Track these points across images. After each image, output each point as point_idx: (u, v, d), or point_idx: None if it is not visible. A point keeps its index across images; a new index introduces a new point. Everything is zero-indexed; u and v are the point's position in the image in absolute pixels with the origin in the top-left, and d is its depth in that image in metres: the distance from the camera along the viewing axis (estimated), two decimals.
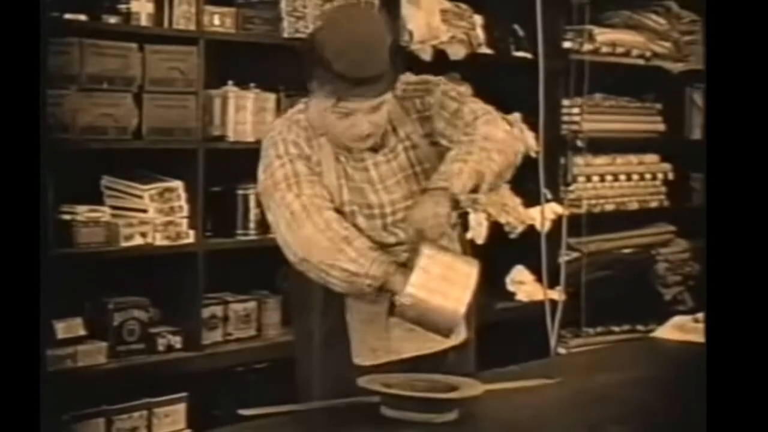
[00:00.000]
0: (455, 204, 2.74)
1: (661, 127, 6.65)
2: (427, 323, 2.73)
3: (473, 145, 2.81)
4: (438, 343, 2.89)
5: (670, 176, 6.62)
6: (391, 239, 2.90)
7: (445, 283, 2.71)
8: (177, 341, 4.52)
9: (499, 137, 2.88)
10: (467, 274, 2.74)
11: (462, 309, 2.71)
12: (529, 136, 5.69)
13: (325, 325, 2.94)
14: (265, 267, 4.91)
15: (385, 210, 2.89)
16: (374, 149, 2.90)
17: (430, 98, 2.95)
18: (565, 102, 5.91)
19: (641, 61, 6.32)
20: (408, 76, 2.99)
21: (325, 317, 2.95)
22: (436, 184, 2.75)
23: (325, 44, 2.72)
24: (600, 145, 6.15)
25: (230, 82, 4.74)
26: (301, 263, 2.81)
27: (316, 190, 2.83)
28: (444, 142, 2.91)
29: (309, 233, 2.78)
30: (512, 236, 5.58)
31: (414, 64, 4.48)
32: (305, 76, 2.80)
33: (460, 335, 2.94)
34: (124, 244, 4.31)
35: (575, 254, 5.89)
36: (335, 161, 2.89)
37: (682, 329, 3.60)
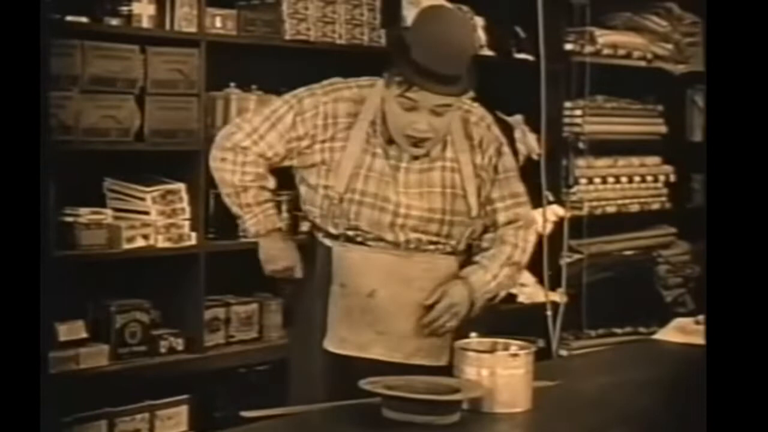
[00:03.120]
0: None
1: (663, 129, 6.65)
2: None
3: (507, 262, 3.01)
4: (406, 356, 2.93)
5: (672, 178, 6.62)
6: (389, 237, 2.92)
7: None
8: (179, 343, 4.53)
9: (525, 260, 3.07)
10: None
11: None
12: (531, 138, 5.71)
13: (314, 310, 2.97)
14: None
15: (400, 210, 2.92)
16: (416, 155, 2.93)
17: (499, 160, 3.03)
18: (567, 104, 5.92)
19: (642, 63, 6.32)
20: (487, 114, 3.09)
21: (318, 302, 2.98)
22: (472, 280, 2.95)
23: (411, 32, 2.83)
24: (601, 147, 6.15)
25: (232, 84, 4.74)
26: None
27: (273, 141, 2.97)
28: (488, 208, 3.01)
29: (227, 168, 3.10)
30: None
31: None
32: (386, 63, 2.89)
33: (441, 360, 2.95)
34: (126, 246, 4.32)
35: (577, 256, 5.89)
36: (361, 151, 2.92)
37: (684, 331, 3.60)
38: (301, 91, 3.00)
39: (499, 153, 3.02)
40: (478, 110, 3.06)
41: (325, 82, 3.01)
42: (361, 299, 2.92)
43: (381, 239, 2.92)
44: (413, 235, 2.93)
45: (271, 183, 3.08)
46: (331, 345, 2.95)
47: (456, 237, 2.97)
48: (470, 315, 2.95)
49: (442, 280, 2.96)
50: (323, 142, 2.93)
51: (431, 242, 2.94)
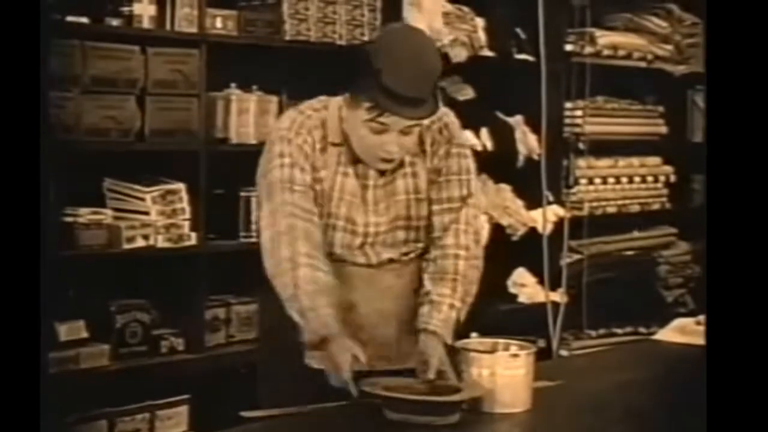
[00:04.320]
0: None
1: (663, 129, 6.65)
2: None
3: (456, 281, 2.89)
4: (390, 363, 2.88)
5: (672, 179, 6.63)
6: (361, 259, 2.90)
7: None
8: (179, 343, 4.53)
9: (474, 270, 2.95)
10: None
11: None
12: (532, 138, 5.71)
13: (288, 324, 2.90)
14: None
15: (369, 230, 2.88)
16: (384, 171, 2.89)
17: (446, 162, 2.94)
18: (567, 104, 5.92)
19: (643, 64, 6.33)
20: (444, 116, 2.97)
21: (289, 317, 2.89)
22: (432, 328, 2.82)
23: (379, 56, 2.71)
24: (602, 148, 6.16)
25: (233, 85, 4.75)
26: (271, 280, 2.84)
27: (306, 203, 2.82)
28: (432, 207, 2.93)
29: (278, 260, 2.80)
30: (514, 238, 5.59)
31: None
32: (349, 81, 2.79)
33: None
34: (127, 246, 4.32)
35: (577, 256, 5.89)
36: (334, 174, 2.88)
37: (684, 331, 3.60)
38: (280, 146, 2.87)
39: (447, 155, 2.94)
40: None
41: (284, 123, 2.90)
42: (342, 314, 2.83)
43: (354, 263, 2.89)
44: (385, 255, 2.90)
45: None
46: (313, 361, 2.87)
47: (423, 240, 2.95)
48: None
49: (409, 284, 2.94)
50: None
51: (402, 254, 2.93)
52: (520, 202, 5.70)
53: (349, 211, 2.87)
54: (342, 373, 2.66)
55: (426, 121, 2.85)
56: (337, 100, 2.87)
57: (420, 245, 2.94)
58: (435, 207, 2.93)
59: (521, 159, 5.71)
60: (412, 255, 2.94)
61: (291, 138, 2.86)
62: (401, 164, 2.90)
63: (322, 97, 2.95)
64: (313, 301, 2.72)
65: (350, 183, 2.88)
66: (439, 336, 2.83)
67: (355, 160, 2.87)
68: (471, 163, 3.00)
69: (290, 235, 2.78)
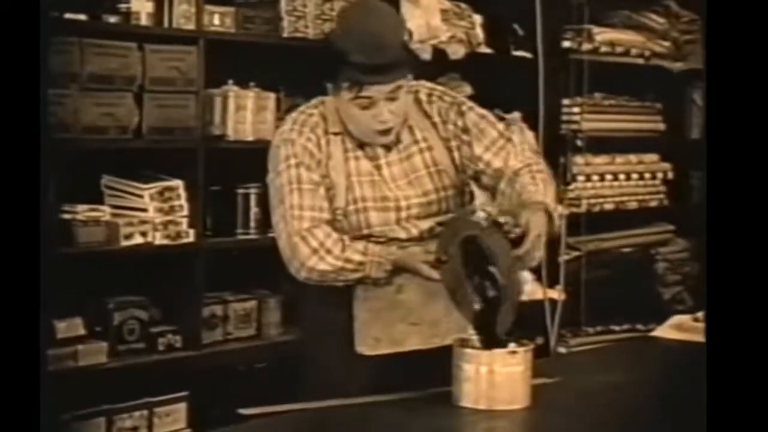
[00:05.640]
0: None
1: (661, 126, 6.64)
2: None
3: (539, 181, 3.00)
4: (441, 340, 2.91)
5: (670, 175, 6.62)
6: (402, 234, 2.94)
7: None
8: (177, 340, 4.53)
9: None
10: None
11: None
12: (529, 135, 5.71)
13: (333, 315, 2.96)
14: (265, 266, 4.92)
15: (401, 203, 2.95)
16: (388, 147, 2.98)
17: (464, 120, 3.04)
18: (565, 101, 5.91)
19: (641, 61, 6.31)
20: (435, 87, 3.10)
21: (334, 307, 2.96)
22: (534, 198, 2.89)
23: (342, 38, 2.87)
24: (599, 145, 6.15)
25: (230, 82, 4.74)
26: (306, 280, 2.92)
27: (315, 201, 2.91)
28: (480, 165, 3.02)
29: (305, 257, 2.87)
30: (511, 236, 5.58)
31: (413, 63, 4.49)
32: (328, 74, 2.92)
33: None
34: (124, 243, 4.32)
35: (575, 253, 5.89)
36: (344, 161, 2.94)
37: (682, 328, 3.60)
38: (285, 149, 2.95)
39: (461, 113, 3.04)
40: (424, 87, 3.09)
41: (287, 125, 3.00)
42: (390, 297, 2.93)
43: (396, 239, 2.93)
44: (425, 225, 2.95)
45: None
46: (364, 348, 2.94)
47: (454, 209, 3.01)
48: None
49: None
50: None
51: (439, 224, 2.96)
52: None
53: (374, 190, 2.94)
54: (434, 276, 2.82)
55: (423, 96, 3.03)
56: (331, 98, 2.98)
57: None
58: (486, 155, 3.02)
59: None
60: None
61: (294, 139, 2.96)
62: (415, 140, 3.00)
63: (319, 98, 3.04)
64: (359, 248, 2.88)
65: (364, 164, 2.96)
66: (545, 205, 2.90)
67: (360, 145, 2.97)
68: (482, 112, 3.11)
69: (306, 232, 2.87)
